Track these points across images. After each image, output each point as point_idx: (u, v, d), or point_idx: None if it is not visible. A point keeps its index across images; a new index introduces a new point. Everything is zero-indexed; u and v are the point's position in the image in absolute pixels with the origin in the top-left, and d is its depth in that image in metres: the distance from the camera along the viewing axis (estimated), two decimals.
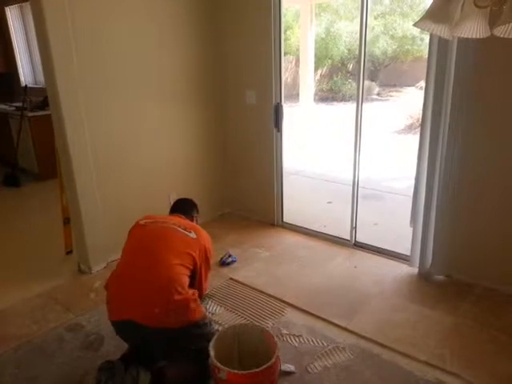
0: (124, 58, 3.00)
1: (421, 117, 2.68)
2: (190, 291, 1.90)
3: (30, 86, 5.61)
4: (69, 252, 3.31)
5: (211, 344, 1.76)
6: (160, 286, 1.84)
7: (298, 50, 9.41)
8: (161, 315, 1.78)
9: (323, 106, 11.41)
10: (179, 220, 2.30)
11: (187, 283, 1.94)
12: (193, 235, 2.17)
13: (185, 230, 2.18)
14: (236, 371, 1.62)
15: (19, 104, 5.10)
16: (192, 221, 2.45)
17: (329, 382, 1.99)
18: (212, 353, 1.71)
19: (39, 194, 4.75)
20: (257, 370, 1.60)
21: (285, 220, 3.79)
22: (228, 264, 3.10)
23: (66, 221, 3.19)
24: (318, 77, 12.94)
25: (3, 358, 2.22)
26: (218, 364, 1.64)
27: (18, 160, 5.27)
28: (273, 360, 1.65)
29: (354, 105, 3.12)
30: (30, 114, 4.96)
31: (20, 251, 3.43)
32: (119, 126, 3.07)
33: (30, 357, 2.22)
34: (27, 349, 2.28)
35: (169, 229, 2.15)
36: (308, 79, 7.34)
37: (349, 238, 3.36)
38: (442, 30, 1.54)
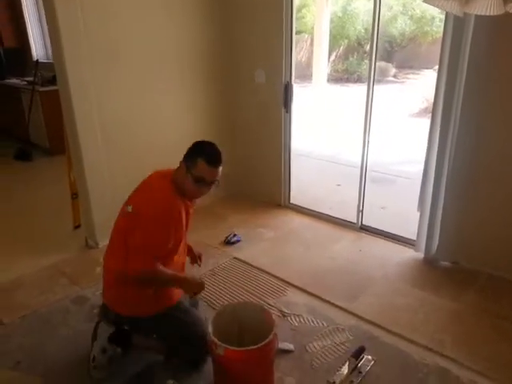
0: (132, 35, 2.97)
1: (433, 100, 2.61)
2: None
3: (42, 60, 5.61)
4: (77, 226, 3.36)
5: (210, 320, 1.78)
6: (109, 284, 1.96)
7: (313, 28, 9.22)
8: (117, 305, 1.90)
9: (337, 88, 11.22)
10: (143, 187, 1.94)
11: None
12: (129, 209, 1.85)
13: (128, 206, 1.88)
14: (233, 348, 1.64)
15: (30, 79, 5.12)
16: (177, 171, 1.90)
17: (326, 362, 2.01)
18: (210, 328, 1.73)
19: (50, 169, 4.81)
20: (254, 347, 1.62)
21: (291, 201, 3.77)
22: (232, 243, 3.11)
23: (74, 196, 3.23)
24: (333, 57, 12.70)
25: (11, 326, 2.28)
26: (216, 340, 1.66)
27: (30, 135, 5.32)
28: (270, 337, 1.66)
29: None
30: (41, 89, 4.98)
31: (30, 224, 3.49)
32: (127, 103, 3.05)
33: (36, 327, 2.28)
34: (33, 319, 2.34)
35: (118, 218, 1.97)
36: (322, 59, 7.23)
37: (355, 221, 3.34)
38: (453, 6, 1.48)
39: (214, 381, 1.81)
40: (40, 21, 5.91)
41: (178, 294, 1.98)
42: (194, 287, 1.89)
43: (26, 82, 5.39)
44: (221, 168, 1.84)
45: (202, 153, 1.81)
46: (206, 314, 2.16)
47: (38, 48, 6.15)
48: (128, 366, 1.97)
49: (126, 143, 3.11)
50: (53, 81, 5.04)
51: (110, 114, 2.95)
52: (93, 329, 1.97)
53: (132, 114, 3.10)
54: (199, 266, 2.23)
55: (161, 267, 1.78)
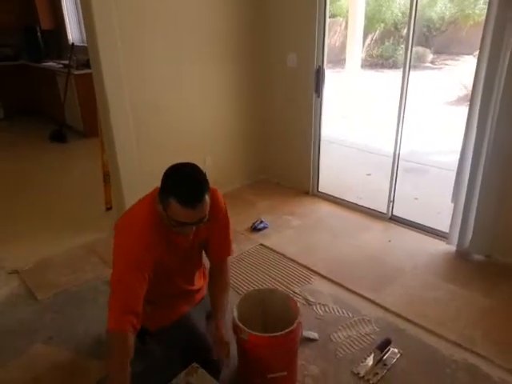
0: (165, 19, 2.96)
1: (472, 87, 2.50)
2: None
3: (77, 44, 5.71)
4: (109, 208, 3.44)
5: (235, 305, 1.80)
6: None
7: (348, 11, 8.97)
8: None
9: (371, 73, 10.92)
10: (128, 213, 1.64)
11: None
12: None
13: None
14: (257, 333, 1.65)
15: (66, 62, 5.22)
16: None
17: (351, 352, 1.99)
18: (235, 313, 1.74)
19: (84, 151, 4.93)
20: (278, 333, 1.62)
21: (320, 189, 3.73)
22: (259, 230, 3.11)
23: (107, 178, 3.29)
24: (368, 41, 12.34)
25: (44, 303, 2.37)
26: (240, 325, 1.67)
27: (65, 117, 5.46)
28: (294, 325, 1.65)
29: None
30: (76, 72, 5.08)
31: (64, 204, 3.60)
32: (159, 86, 3.07)
33: (68, 304, 2.36)
34: (65, 297, 2.42)
35: None
36: (356, 43, 7.03)
37: (385, 212, 3.26)
38: None
39: (238, 365, 1.83)
40: (76, 4, 6.00)
41: (178, 312, 1.78)
42: None
43: (61, 65, 5.51)
44: (205, 202, 1.41)
45: (174, 191, 1.38)
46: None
47: (73, 31, 6.26)
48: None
49: (155, 127, 3.14)
50: (87, 64, 5.12)
51: (141, 97, 2.98)
52: None
53: (162, 97, 3.12)
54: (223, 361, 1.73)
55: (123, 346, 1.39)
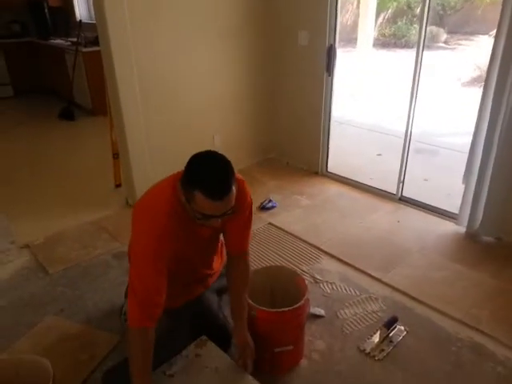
0: None
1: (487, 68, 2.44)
2: None
3: (85, 21, 5.66)
4: (118, 185, 3.46)
5: None
6: None
7: None
8: None
9: (383, 53, 10.70)
10: (145, 199, 1.57)
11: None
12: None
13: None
14: (266, 309, 1.66)
15: (74, 39, 5.18)
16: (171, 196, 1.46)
17: (357, 329, 2.01)
18: None
19: (92, 129, 4.93)
20: (285, 309, 1.63)
21: (329, 170, 3.70)
22: (268, 209, 3.11)
23: (115, 156, 3.30)
24: (380, 20, 12.06)
25: (54, 276, 2.41)
26: (249, 301, 1.69)
27: (74, 95, 5.45)
28: (302, 302, 1.67)
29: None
30: (84, 50, 5.04)
31: (73, 181, 3.62)
32: (168, 64, 3.04)
33: (78, 278, 2.40)
34: (76, 271, 2.46)
35: None
36: (368, 22, 6.89)
37: (395, 192, 3.24)
38: None
39: None
40: None
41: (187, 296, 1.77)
42: None
43: (69, 43, 5.47)
44: (232, 194, 1.33)
45: (200, 183, 1.29)
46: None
47: (81, 8, 6.20)
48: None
49: (165, 104, 3.12)
50: (96, 42, 5.08)
51: (151, 75, 2.96)
52: (126, 287, 2.03)
53: (172, 75, 3.09)
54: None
55: (146, 341, 1.38)
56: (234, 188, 1.32)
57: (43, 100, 6.22)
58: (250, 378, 1.49)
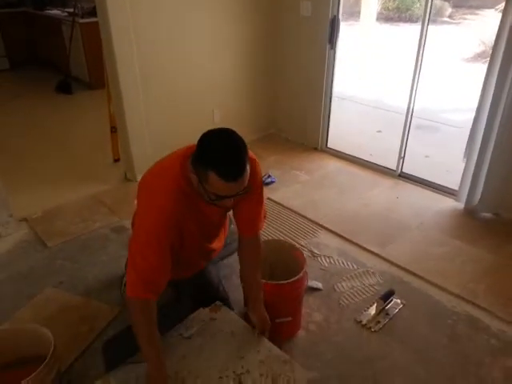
0: None
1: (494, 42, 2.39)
2: None
3: None
4: (116, 160, 3.43)
5: None
6: None
7: None
8: None
9: (387, 27, 10.49)
10: (151, 176, 1.52)
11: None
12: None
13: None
14: (264, 281, 1.68)
15: (71, 10, 5.05)
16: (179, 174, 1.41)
17: (354, 302, 2.03)
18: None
19: (90, 103, 4.86)
20: (284, 281, 1.65)
21: (329, 145, 3.68)
22: (267, 184, 3.10)
23: (114, 129, 3.27)
24: None
25: (54, 249, 2.42)
26: None
27: (71, 68, 5.35)
28: (300, 275, 1.68)
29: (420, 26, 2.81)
30: (81, 21, 4.92)
31: (71, 155, 3.59)
32: (167, 36, 2.97)
33: (77, 251, 2.41)
34: (75, 244, 2.47)
35: None
36: None
37: (394, 168, 3.23)
38: None
39: (244, 312, 1.87)
40: None
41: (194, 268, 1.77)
42: None
43: (66, 14, 5.33)
44: (247, 174, 1.28)
45: (215, 164, 1.24)
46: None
47: None
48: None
49: (163, 78, 3.06)
50: (93, 13, 4.94)
51: (149, 47, 2.89)
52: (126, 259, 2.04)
53: (172, 48, 3.02)
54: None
55: (148, 312, 1.36)
56: (248, 168, 1.29)
57: (40, 73, 6.11)
58: (266, 340, 1.51)
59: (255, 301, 1.60)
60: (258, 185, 1.55)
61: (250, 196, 1.50)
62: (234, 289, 1.96)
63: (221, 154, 1.25)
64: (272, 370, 1.36)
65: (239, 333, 1.52)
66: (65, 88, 5.17)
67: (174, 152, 1.49)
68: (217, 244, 1.82)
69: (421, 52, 2.84)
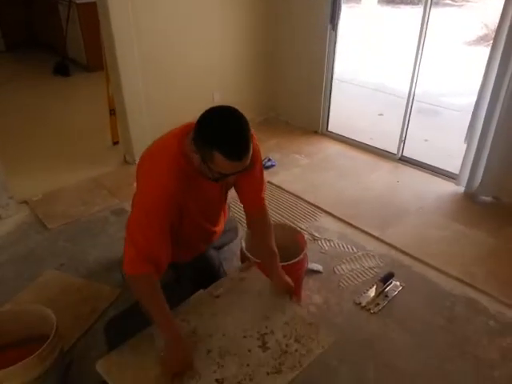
0: None
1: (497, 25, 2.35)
2: None
3: None
4: (115, 143, 3.41)
5: (243, 237, 1.83)
6: None
7: None
8: None
9: (388, 9, 10.34)
10: (149, 153, 1.51)
11: None
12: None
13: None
14: None
15: None
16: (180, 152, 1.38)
17: (354, 284, 2.04)
18: (243, 244, 1.78)
19: (88, 85, 4.81)
20: (284, 263, 1.65)
21: (329, 129, 3.66)
22: (267, 168, 3.09)
23: (112, 112, 3.24)
24: None
25: (55, 231, 2.42)
26: (249, 254, 1.71)
27: (68, 50, 5.27)
28: (300, 256, 1.69)
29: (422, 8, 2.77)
30: (78, 1, 4.82)
31: (70, 138, 3.57)
32: (167, 19, 2.93)
33: (78, 234, 2.41)
34: (75, 226, 2.47)
35: None
36: None
37: (395, 152, 3.22)
38: None
39: None
40: None
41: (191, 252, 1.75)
42: (174, 361, 1.27)
43: None
44: (251, 151, 1.27)
45: (220, 144, 1.22)
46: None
47: None
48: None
49: (163, 60, 3.03)
50: None
51: (148, 29, 2.85)
52: None
53: (171, 30, 2.98)
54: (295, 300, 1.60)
55: (151, 286, 1.33)
56: (251, 146, 1.27)
57: (37, 54, 6.01)
58: (292, 302, 1.51)
59: (275, 269, 1.58)
60: (257, 159, 1.54)
61: (251, 170, 1.49)
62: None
63: (225, 134, 1.23)
64: (296, 331, 1.37)
65: (266, 294, 1.53)
66: (62, 70, 5.10)
67: (171, 131, 1.47)
68: (217, 227, 1.81)
69: (423, 35, 2.81)
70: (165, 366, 1.26)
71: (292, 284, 1.54)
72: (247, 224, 1.69)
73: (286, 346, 1.32)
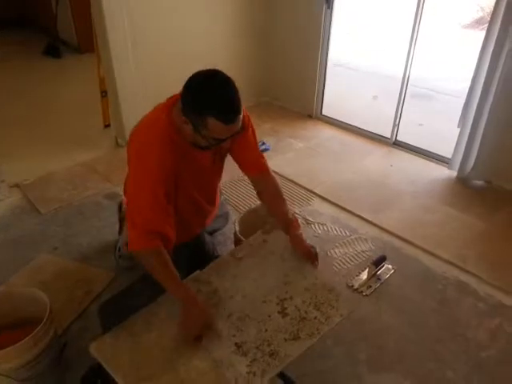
0: None
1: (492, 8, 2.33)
2: None
3: None
4: (107, 125, 3.37)
5: (237, 221, 1.83)
6: None
7: None
8: None
9: None
10: (137, 129, 1.48)
11: None
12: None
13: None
14: None
15: None
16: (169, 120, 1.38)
17: (346, 267, 2.06)
18: (237, 227, 1.79)
19: (79, 67, 4.73)
20: None
21: (323, 113, 3.64)
22: (261, 152, 3.07)
23: (104, 94, 3.19)
24: None
25: (47, 216, 2.40)
26: (242, 238, 1.72)
27: (59, 31, 5.16)
28: None
29: None
30: None
31: (60, 122, 3.52)
32: (158, 2, 2.87)
33: (71, 218, 2.40)
34: (68, 211, 2.45)
35: None
36: None
37: (389, 136, 3.22)
38: None
39: None
40: None
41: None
42: (193, 323, 1.26)
43: None
44: (242, 112, 1.27)
45: (212, 109, 1.21)
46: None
47: None
48: None
49: (155, 42, 2.97)
50: None
51: (140, 8, 2.79)
52: (118, 223, 2.05)
53: (162, 10, 2.92)
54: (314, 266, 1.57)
55: (159, 255, 1.33)
56: (242, 106, 1.26)
57: (27, 35, 5.88)
58: (314, 268, 1.51)
59: (293, 236, 1.56)
60: (248, 124, 1.52)
61: (243, 134, 1.48)
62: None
63: (216, 98, 1.22)
64: (316, 298, 1.38)
65: (289, 258, 1.53)
66: (53, 51, 5.00)
67: (156, 106, 1.46)
68: (212, 206, 1.79)
69: (418, 17, 2.78)
70: (184, 329, 1.26)
71: (312, 251, 1.53)
72: (257, 194, 1.67)
73: (305, 312, 1.34)
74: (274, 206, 1.61)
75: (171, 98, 1.41)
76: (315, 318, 1.32)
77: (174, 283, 1.33)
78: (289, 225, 1.56)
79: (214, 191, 1.73)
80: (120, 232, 2.01)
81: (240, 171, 1.63)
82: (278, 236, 1.60)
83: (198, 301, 1.31)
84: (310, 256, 1.53)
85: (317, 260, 1.54)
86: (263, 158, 1.62)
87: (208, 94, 1.22)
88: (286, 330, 1.28)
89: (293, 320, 1.31)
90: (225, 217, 2.14)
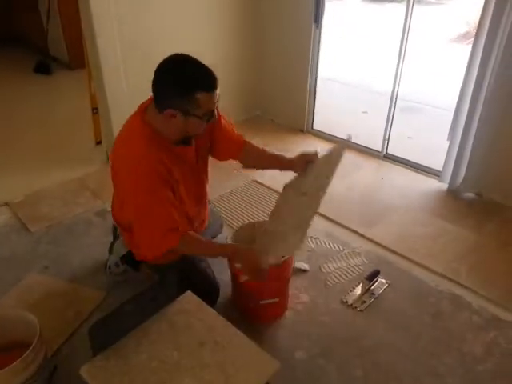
0: None
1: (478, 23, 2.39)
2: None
3: None
4: (98, 142, 3.36)
5: (230, 235, 1.82)
6: None
7: None
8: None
9: (372, 7, 10.41)
10: (119, 137, 1.58)
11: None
12: (110, 163, 1.60)
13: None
14: None
15: None
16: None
17: (340, 282, 2.05)
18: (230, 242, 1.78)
19: (70, 83, 4.73)
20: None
21: (314, 127, 3.67)
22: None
23: (95, 111, 3.19)
24: None
25: (37, 234, 2.37)
26: None
27: (49, 47, 5.17)
28: (286, 257, 1.68)
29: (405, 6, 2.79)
30: None
31: (52, 139, 3.49)
32: (149, 14, 2.88)
33: (61, 236, 2.37)
34: (58, 229, 2.42)
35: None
36: None
37: (379, 150, 3.24)
38: None
39: (232, 292, 1.89)
40: None
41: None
42: (250, 260, 1.49)
43: None
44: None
45: (197, 84, 1.35)
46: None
47: None
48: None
49: (146, 57, 2.96)
50: None
51: (131, 24, 2.80)
52: (110, 243, 2.03)
53: (153, 26, 2.94)
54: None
55: (186, 237, 1.46)
56: None
57: (17, 52, 5.88)
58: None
59: (282, 157, 1.80)
60: (218, 110, 1.64)
61: (218, 127, 1.69)
62: (223, 269, 1.95)
63: (195, 73, 1.36)
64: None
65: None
66: (44, 68, 4.99)
67: (129, 118, 1.57)
68: (203, 211, 1.82)
69: (406, 33, 2.83)
70: (250, 273, 1.52)
71: (312, 153, 1.76)
72: (242, 163, 1.84)
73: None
74: (257, 157, 1.80)
75: (139, 106, 1.54)
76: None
77: (218, 248, 1.60)
78: (274, 155, 1.80)
79: (202, 191, 1.78)
80: (110, 252, 2.00)
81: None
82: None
83: (242, 248, 1.55)
84: (310, 157, 1.76)
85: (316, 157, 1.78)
86: (241, 135, 1.80)
87: (187, 74, 1.36)
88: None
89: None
90: (218, 221, 2.19)
